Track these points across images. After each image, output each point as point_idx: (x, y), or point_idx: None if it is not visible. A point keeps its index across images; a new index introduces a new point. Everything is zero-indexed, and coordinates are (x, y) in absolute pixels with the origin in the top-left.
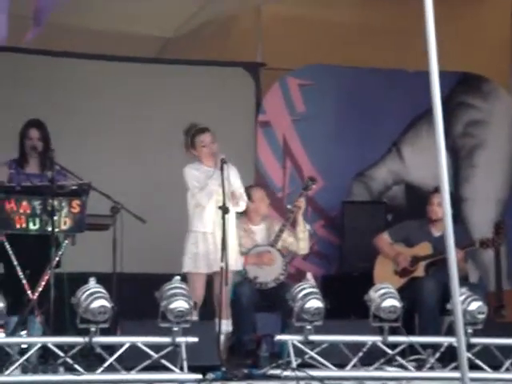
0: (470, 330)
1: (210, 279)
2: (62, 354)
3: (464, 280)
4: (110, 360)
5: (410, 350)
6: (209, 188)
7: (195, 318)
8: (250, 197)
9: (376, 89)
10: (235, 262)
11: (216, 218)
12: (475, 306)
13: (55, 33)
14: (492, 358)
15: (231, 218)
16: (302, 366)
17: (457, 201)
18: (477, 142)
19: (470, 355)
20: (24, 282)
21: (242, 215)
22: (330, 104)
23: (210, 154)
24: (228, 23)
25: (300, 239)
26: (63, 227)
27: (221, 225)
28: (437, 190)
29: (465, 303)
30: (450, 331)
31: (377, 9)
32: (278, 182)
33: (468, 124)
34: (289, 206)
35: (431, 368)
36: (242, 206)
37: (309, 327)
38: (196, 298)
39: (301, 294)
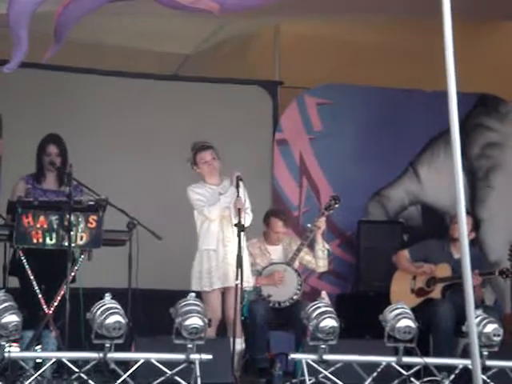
0: (485, 353)
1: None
2: (76, 369)
3: (480, 303)
4: (124, 376)
5: (424, 372)
6: (221, 202)
7: (212, 334)
8: (268, 224)
9: (393, 108)
10: (246, 278)
11: (220, 236)
12: (491, 328)
13: (74, 49)
14: (507, 381)
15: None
16: None
17: (477, 225)
18: (493, 163)
19: (485, 378)
20: (40, 296)
21: (261, 236)
22: (347, 123)
23: (211, 171)
24: (247, 41)
25: (319, 258)
26: (80, 242)
27: (225, 243)
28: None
29: (480, 325)
30: (466, 353)
31: (395, 29)
32: (294, 201)
33: (485, 145)
34: (308, 225)
35: None
36: (246, 220)
37: (323, 346)
38: (213, 315)
39: (315, 313)
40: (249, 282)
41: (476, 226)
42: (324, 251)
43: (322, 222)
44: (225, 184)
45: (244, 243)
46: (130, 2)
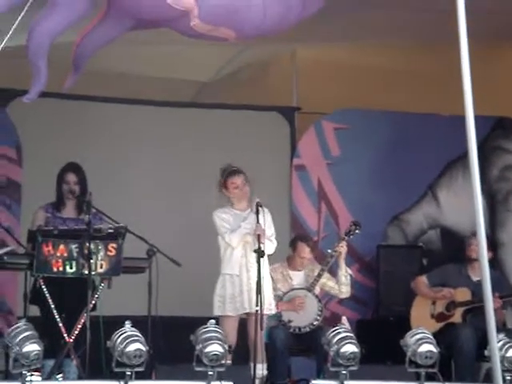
0: (508, 377)
1: (244, 322)
2: None
3: (502, 326)
4: None
5: None
6: (241, 229)
7: (229, 361)
8: (295, 248)
9: (410, 132)
10: (269, 305)
11: (243, 261)
12: None
13: (93, 78)
14: None
15: (264, 261)
16: None
17: (493, 245)
18: None
19: None
20: (60, 325)
21: (284, 261)
22: (365, 148)
23: (241, 196)
24: (263, 68)
25: (342, 283)
26: (100, 270)
27: (248, 267)
28: (474, 234)
29: (503, 350)
30: (488, 378)
31: (411, 53)
32: (313, 226)
33: (504, 168)
34: (329, 251)
35: None
36: (268, 247)
37: (344, 372)
38: (228, 340)
39: (336, 339)
40: (271, 308)
41: (493, 246)
42: (347, 276)
43: (342, 248)
44: (249, 211)
45: (267, 268)
46: (147, 31)
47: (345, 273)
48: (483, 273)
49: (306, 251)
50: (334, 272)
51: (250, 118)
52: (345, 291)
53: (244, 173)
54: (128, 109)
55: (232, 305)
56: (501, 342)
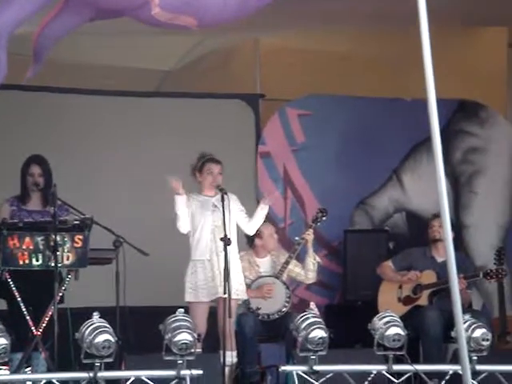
0: (474, 358)
1: (213, 310)
2: None
3: (468, 307)
4: None
5: (415, 379)
6: (183, 214)
7: (199, 350)
8: (259, 232)
9: (375, 117)
10: (239, 292)
11: (212, 246)
12: (479, 332)
13: (54, 69)
14: None
15: (233, 247)
16: None
17: (458, 228)
18: (476, 168)
19: (475, 382)
20: (28, 318)
21: (249, 248)
22: (330, 133)
23: (213, 183)
24: (227, 55)
25: (309, 270)
26: (66, 262)
27: (218, 252)
28: (436, 215)
29: (469, 330)
30: (455, 359)
31: (374, 39)
32: (280, 213)
33: (467, 151)
34: (296, 238)
35: None
36: (251, 227)
37: (313, 357)
38: (199, 328)
39: (304, 324)
40: (239, 293)
41: (454, 226)
42: (315, 264)
43: (309, 235)
44: (218, 197)
45: (236, 254)
46: (108, 21)
47: (313, 260)
48: (448, 255)
49: (269, 229)
50: (301, 258)
51: (214, 106)
52: (311, 277)
53: (222, 164)
54: (90, 99)
55: (206, 290)
56: (467, 323)
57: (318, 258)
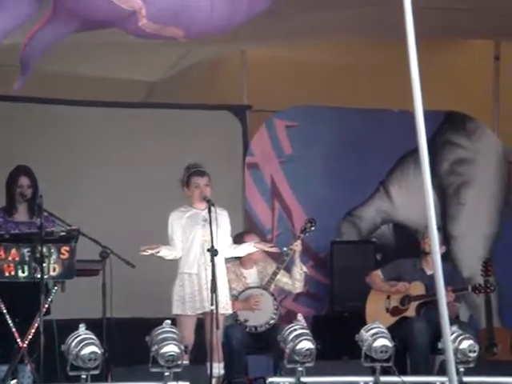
0: (461, 369)
1: (202, 322)
2: None
3: (455, 318)
4: None
5: None
6: (174, 244)
7: (186, 362)
8: (243, 243)
9: (362, 129)
10: (225, 305)
11: (201, 260)
12: (466, 344)
13: (41, 80)
14: None
15: (220, 260)
16: None
17: (447, 239)
18: (463, 180)
19: None
20: (13, 329)
21: (236, 259)
22: (317, 145)
23: (201, 196)
24: (214, 66)
25: (296, 280)
26: (52, 274)
27: (206, 266)
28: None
29: (456, 342)
30: (442, 370)
31: (361, 50)
32: (267, 224)
33: (454, 162)
34: (284, 249)
35: None
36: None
37: (300, 369)
38: (186, 340)
39: (292, 336)
40: (227, 308)
41: (446, 239)
42: (302, 274)
43: (297, 246)
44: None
45: (224, 268)
46: (95, 32)
47: (300, 270)
48: (435, 267)
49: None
50: (288, 268)
51: (202, 118)
52: (298, 286)
53: (208, 175)
54: (77, 110)
55: (191, 304)
56: (454, 335)
57: (304, 268)
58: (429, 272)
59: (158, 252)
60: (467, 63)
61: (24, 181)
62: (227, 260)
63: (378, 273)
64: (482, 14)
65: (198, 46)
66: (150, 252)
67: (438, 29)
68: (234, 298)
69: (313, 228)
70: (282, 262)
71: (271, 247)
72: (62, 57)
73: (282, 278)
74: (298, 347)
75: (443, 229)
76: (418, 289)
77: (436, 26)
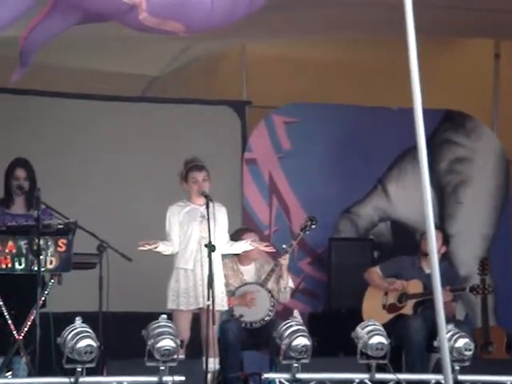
0: (457, 367)
1: (197, 317)
2: None
3: (452, 318)
4: None
5: None
6: (171, 239)
7: (182, 356)
8: (241, 240)
9: (360, 126)
10: (221, 301)
11: (197, 256)
12: (462, 342)
13: (40, 72)
14: None
15: (217, 256)
16: None
17: (447, 239)
18: (462, 178)
19: None
20: (9, 322)
21: (234, 255)
22: (315, 141)
23: (199, 192)
24: (213, 62)
25: (281, 291)
26: (49, 266)
27: (202, 263)
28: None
29: (452, 340)
30: (438, 368)
31: (361, 48)
32: (265, 220)
33: (453, 161)
34: (284, 246)
35: None
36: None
37: (296, 365)
38: (181, 334)
39: (288, 332)
40: (223, 304)
41: (446, 240)
42: (287, 288)
43: (285, 260)
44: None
45: (220, 264)
46: (95, 25)
47: (285, 284)
48: (432, 265)
49: (252, 236)
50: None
51: (201, 113)
52: (282, 298)
53: (207, 169)
54: (75, 103)
55: (185, 299)
56: (450, 333)
57: (291, 284)
58: (427, 271)
59: (156, 247)
60: (467, 61)
61: (20, 173)
62: (225, 256)
63: (377, 269)
64: (481, 12)
65: (197, 41)
66: (147, 247)
67: (438, 27)
68: (231, 294)
69: (313, 226)
70: (279, 261)
71: (267, 246)
72: (61, 49)
73: (273, 285)
74: (294, 343)
75: (440, 227)
76: (415, 287)
77: (436, 24)
